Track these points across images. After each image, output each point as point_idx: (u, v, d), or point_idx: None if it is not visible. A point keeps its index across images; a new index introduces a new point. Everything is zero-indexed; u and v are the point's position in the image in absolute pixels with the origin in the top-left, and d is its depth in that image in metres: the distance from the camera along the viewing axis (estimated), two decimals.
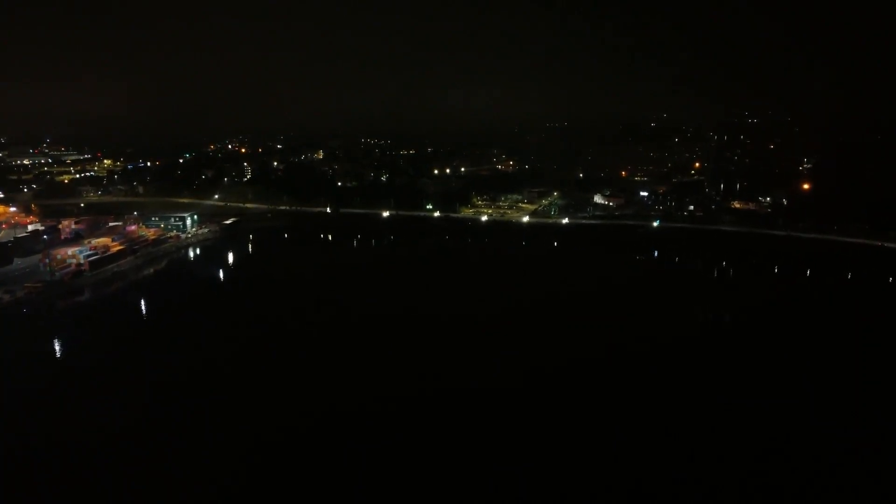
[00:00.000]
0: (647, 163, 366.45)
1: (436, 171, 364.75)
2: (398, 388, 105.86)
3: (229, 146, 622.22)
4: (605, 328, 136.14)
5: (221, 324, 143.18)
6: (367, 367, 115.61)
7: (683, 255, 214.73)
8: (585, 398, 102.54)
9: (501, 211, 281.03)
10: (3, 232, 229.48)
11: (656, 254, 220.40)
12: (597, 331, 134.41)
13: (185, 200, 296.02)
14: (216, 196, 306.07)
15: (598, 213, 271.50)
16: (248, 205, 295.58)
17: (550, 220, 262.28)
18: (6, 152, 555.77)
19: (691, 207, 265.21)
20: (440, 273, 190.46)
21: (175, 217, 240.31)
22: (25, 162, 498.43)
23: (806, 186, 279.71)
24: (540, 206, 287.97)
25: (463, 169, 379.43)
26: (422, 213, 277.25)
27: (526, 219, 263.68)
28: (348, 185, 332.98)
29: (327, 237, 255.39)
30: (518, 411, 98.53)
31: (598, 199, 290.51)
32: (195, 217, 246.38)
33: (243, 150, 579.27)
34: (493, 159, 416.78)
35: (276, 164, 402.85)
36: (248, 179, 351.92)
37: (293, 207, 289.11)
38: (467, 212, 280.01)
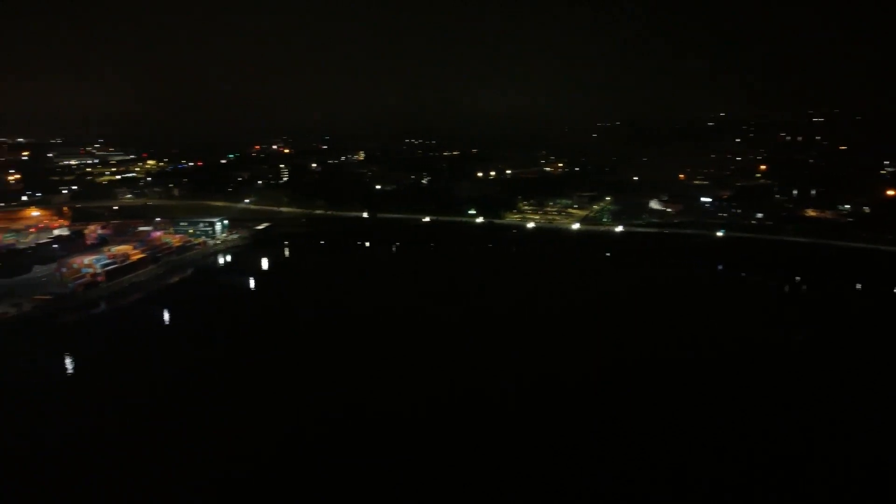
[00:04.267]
0: (707, 165, 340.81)
1: (479, 174, 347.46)
2: (440, 399, 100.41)
3: (273, 147, 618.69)
4: (664, 349, 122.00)
5: (241, 342, 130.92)
6: (407, 383, 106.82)
7: (751, 269, 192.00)
8: (644, 425, 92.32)
9: (549, 217, 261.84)
10: (31, 236, 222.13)
11: (720, 267, 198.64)
12: (654, 352, 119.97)
13: (218, 204, 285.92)
14: (249, 199, 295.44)
15: (654, 220, 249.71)
16: (283, 209, 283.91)
17: (602, 228, 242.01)
18: (55, 153, 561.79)
19: (759, 215, 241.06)
20: (482, 285, 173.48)
21: (204, 222, 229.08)
22: (72, 162, 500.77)
23: (891, 193, 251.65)
24: (591, 211, 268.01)
25: (508, 171, 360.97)
26: (463, 219, 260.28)
27: (576, 226, 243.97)
28: (387, 188, 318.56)
29: (363, 244, 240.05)
30: (577, 438, 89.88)
31: (654, 204, 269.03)
32: (225, 222, 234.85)
33: (286, 151, 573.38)
34: (541, 161, 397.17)
35: (313, 165, 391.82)
36: (284, 182, 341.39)
37: (328, 212, 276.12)
38: (512, 217, 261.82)
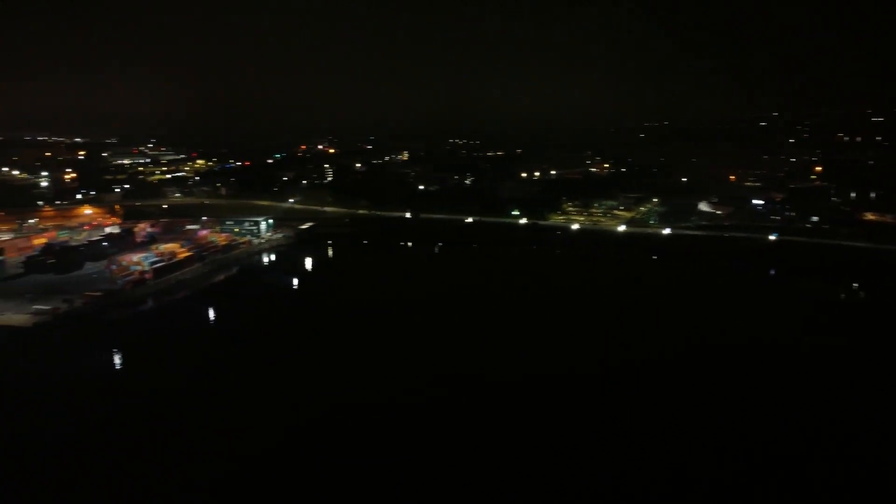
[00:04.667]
0: (759, 166, 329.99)
1: (523, 174, 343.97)
2: (485, 400, 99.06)
3: (319, 147, 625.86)
4: (714, 356, 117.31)
5: (285, 340, 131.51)
6: (451, 384, 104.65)
7: (806, 274, 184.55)
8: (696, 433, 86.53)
9: (594, 218, 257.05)
10: (84, 234, 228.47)
11: (773, 272, 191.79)
12: (704, 359, 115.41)
13: (264, 203, 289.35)
14: (293, 199, 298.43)
15: (703, 222, 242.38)
16: (327, 208, 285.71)
17: (649, 230, 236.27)
18: (110, 152, 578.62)
19: (814, 218, 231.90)
20: (525, 287, 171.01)
21: (249, 221, 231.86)
22: (125, 162, 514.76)
23: None
24: (637, 213, 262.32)
25: (553, 172, 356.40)
26: (506, 220, 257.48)
27: (622, 228, 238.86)
28: (430, 188, 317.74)
29: (406, 244, 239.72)
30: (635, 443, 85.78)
31: (703, 206, 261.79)
32: (270, 221, 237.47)
33: (331, 151, 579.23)
34: (587, 162, 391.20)
35: (357, 165, 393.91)
36: (328, 182, 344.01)
37: (371, 212, 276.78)
38: (556, 219, 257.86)
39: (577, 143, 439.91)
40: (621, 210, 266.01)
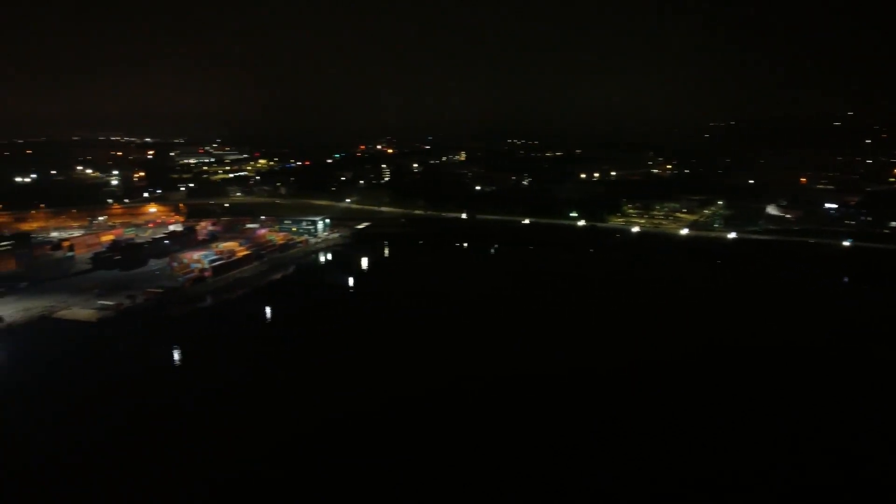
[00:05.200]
0: (832, 168, 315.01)
1: (582, 175, 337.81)
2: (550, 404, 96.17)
3: (378, 147, 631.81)
4: (781, 366, 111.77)
5: (339, 338, 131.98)
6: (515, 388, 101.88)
7: (883, 283, 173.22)
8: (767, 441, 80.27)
9: (655, 221, 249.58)
10: (149, 231, 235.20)
11: (846, 279, 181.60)
12: (771, 370, 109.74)
13: (322, 203, 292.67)
14: (349, 199, 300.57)
15: (771, 226, 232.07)
16: (383, 208, 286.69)
17: (713, 234, 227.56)
18: (177, 152, 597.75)
19: (893, 223, 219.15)
20: (583, 291, 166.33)
21: (307, 221, 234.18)
22: (191, 161, 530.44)
23: None
24: (701, 216, 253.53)
25: (613, 173, 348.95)
26: (564, 222, 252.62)
27: (684, 231, 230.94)
28: (486, 189, 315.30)
29: (462, 245, 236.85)
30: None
31: (771, 210, 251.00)
32: (327, 221, 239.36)
33: (390, 151, 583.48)
34: (648, 163, 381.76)
35: (414, 166, 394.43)
36: (385, 182, 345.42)
37: (427, 212, 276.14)
38: (616, 221, 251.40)
39: (638, 143, 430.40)
40: (684, 213, 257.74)
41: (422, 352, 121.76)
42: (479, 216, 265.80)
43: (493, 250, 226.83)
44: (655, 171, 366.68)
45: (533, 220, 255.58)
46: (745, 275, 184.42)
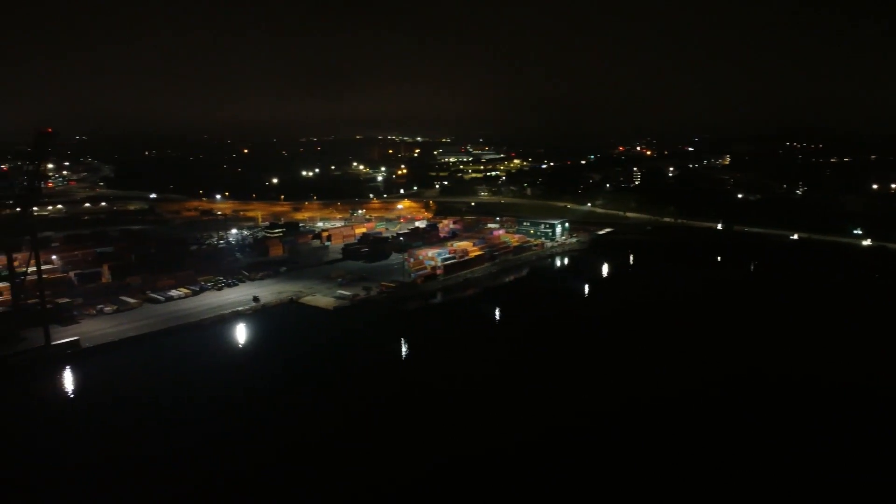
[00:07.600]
0: None
1: (875, 186, 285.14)
2: None
3: (636, 148, 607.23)
4: None
5: (568, 348, 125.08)
6: None
7: None
8: None
9: None
10: (398, 226, 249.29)
11: None
12: None
13: (564, 205, 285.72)
14: (592, 203, 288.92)
15: None
16: (629, 214, 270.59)
17: None
18: (440, 150, 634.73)
19: None
20: (865, 333, 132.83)
21: (545, 223, 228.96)
22: (450, 160, 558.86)
23: None
24: None
25: None
26: (844, 240, 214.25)
27: None
28: (750, 197, 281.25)
29: (713, 259, 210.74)
30: None
31: None
32: (566, 224, 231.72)
33: (648, 153, 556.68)
34: None
35: (670, 169, 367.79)
36: (635, 186, 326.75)
37: (677, 220, 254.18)
38: None
39: None
40: None
41: (665, 375, 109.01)
42: (738, 227, 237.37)
43: (751, 268, 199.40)
44: None
45: (804, 235, 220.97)
46: None
